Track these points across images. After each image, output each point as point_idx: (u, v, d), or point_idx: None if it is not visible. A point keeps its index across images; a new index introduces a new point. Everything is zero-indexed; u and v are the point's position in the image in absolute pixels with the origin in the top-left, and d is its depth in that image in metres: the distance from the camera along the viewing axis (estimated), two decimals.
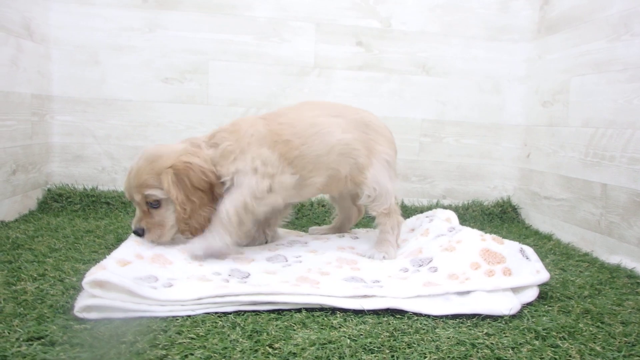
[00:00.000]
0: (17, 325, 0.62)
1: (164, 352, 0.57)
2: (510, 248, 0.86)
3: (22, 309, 0.67)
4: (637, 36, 1.10)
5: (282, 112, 1.02)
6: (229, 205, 0.89)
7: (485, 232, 0.91)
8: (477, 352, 0.61)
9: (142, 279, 0.74)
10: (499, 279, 0.80)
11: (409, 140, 1.60)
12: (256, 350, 0.59)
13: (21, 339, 0.59)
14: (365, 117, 1.05)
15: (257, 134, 0.93)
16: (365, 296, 0.74)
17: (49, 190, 1.40)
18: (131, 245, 0.86)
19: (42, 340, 0.59)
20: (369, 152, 1.01)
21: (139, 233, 0.91)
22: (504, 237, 0.90)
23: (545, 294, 0.85)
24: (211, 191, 0.91)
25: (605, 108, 1.20)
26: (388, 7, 1.53)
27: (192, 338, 0.61)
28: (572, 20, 1.35)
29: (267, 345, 0.60)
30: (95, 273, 0.68)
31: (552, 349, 0.63)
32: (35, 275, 0.80)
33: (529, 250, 0.87)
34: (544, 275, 0.82)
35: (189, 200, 0.88)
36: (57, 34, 1.40)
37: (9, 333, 0.60)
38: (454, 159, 1.62)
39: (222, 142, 0.93)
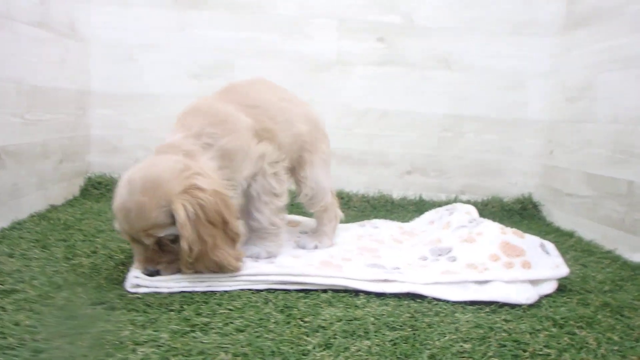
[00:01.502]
0: (80, 292, 0.69)
1: (207, 319, 0.64)
2: (530, 242, 0.88)
3: (82, 279, 0.75)
4: None
5: (241, 92, 0.89)
6: (269, 215, 0.85)
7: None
8: (495, 334, 0.64)
9: None
10: (518, 271, 0.82)
11: (428, 135, 1.61)
12: (288, 323, 0.64)
13: (86, 304, 0.66)
14: (312, 112, 1.00)
15: (243, 123, 0.82)
16: (386, 280, 0.78)
17: (89, 178, 1.51)
18: None
19: (104, 305, 0.66)
20: (313, 148, 0.97)
21: (154, 275, 0.73)
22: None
23: (564, 287, 0.86)
24: (224, 229, 0.73)
25: (633, 105, 1.18)
26: (409, 2, 1.54)
27: (231, 309, 0.67)
28: (601, 14, 1.33)
29: (298, 319, 0.65)
30: (132, 278, 0.72)
31: (570, 336, 0.66)
32: (88, 252, 0.88)
33: (550, 246, 0.89)
34: (563, 270, 0.84)
35: (200, 240, 0.69)
36: (97, 33, 1.49)
37: (75, 298, 0.68)
38: (473, 154, 1.62)
39: (216, 140, 0.78)
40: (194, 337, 0.58)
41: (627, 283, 0.92)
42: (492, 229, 0.92)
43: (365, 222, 1.25)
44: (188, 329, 0.60)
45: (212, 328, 0.61)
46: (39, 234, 0.97)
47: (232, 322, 0.63)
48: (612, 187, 1.24)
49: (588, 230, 1.32)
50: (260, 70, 1.53)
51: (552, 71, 1.57)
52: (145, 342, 0.56)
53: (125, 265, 0.82)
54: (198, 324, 0.62)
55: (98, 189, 1.47)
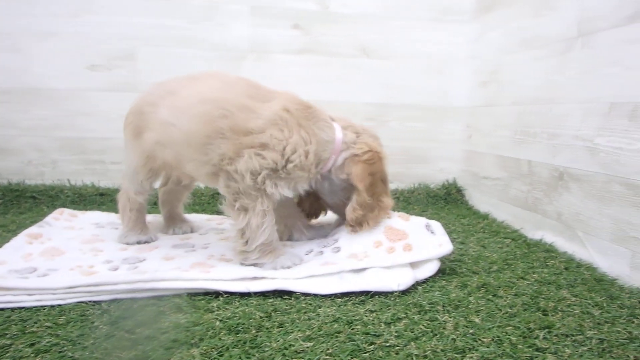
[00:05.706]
0: None
1: (9, 342, 0.54)
2: (415, 224, 0.85)
3: None
4: (555, 10, 1.09)
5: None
6: None
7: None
8: (350, 328, 0.60)
9: (17, 271, 0.71)
10: (398, 255, 0.78)
11: None
12: (112, 336, 0.56)
13: None
14: None
15: None
16: (254, 278, 0.72)
17: None
18: (20, 246, 0.82)
19: None
20: None
21: None
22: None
23: (451, 269, 0.84)
24: None
25: (530, 85, 1.19)
26: None
27: (48, 326, 0.58)
28: None
29: (126, 331, 0.57)
30: None
31: (428, 322, 0.62)
32: None
33: (435, 225, 0.86)
34: (446, 248, 0.81)
35: None
36: None
37: None
38: (399, 142, 1.61)
39: None
40: None
41: (517, 261, 0.91)
42: None
43: None
44: None
45: (8, 352, 0.52)
46: None
47: (39, 342, 0.54)
48: (517, 168, 1.25)
49: (501, 212, 1.33)
50: (168, 60, 1.43)
51: (470, 57, 1.57)
52: None
53: None
54: None
55: None
